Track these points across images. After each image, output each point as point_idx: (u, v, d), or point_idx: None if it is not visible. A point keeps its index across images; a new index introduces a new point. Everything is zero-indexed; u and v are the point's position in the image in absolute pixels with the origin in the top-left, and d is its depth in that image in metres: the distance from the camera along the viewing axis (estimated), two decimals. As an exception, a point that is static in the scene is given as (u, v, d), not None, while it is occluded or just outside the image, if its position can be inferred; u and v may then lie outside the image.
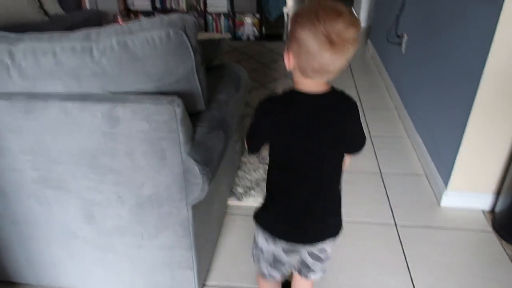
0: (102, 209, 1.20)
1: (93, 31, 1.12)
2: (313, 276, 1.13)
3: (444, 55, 1.94)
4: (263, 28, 4.45)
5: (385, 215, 1.76)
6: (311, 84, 0.91)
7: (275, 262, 1.07)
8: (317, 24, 0.79)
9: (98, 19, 3.61)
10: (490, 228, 1.68)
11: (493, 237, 1.63)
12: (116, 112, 1.03)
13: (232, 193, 1.87)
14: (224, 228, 1.70)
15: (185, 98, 1.14)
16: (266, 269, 1.10)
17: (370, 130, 2.46)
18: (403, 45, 2.66)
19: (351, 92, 2.99)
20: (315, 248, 1.05)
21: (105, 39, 1.07)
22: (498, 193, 1.72)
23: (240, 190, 1.90)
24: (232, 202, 1.83)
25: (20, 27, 2.96)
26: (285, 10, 4.34)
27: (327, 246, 1.06)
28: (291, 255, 1.07)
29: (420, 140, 2.17)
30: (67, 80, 1.07)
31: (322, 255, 1.07)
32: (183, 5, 4.39)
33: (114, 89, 1.09)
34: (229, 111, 1.38)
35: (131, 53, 1.05)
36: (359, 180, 1.99)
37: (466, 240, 1.63)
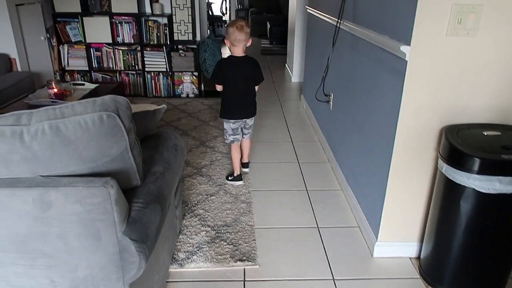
0: (32, 296, 1.15)
1: (24, 114, 1.13)
2: (248, 136, 2.66)
3: (364, 114, 2.15)
4: (202, 85, 4.60)
5: (323, 270, 1.83)
6: (235, 50, 2.39)
7: (234, 132, 2.55)
8: (232, 24, 2.35)
9: (31, 82, 3.53)
10: (417, 275, 1.81)
11: (420, 283, 1.76)
12: (48, 196, 1.03)
13: (173, 259, 1.85)
14: (165, 298, 1.66)
15: (120, 176, 1.16)
16: (232, 137, 2.56)
17: (306, 184, 2.59)
18: (331, 103, 2.89)
19: (287, 146, 3.16)
20: (247, 120, 2.56)
21: (37, 123, 1.08)
22: (422, 241, 1.87)
23: (181, 255, 1.88)
24: (173, 269, 1.81)
25: None
26: (222, 68, 4.54)
27: (250, 121, 2.58)
28: (238, 125, 2.54)
29: (352, 193, 2.32)
30: (-5, 166, 1.06)
31: (250, 124, 2.60)
32: (120, 64, 4.45)
33: (46, 173, 1.09)
34: (166, 183, 1.42)
35: (63, 137, 1.07)
36: (297, 236, 2.07)
37: (398, 288, 1.75)
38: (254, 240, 2.01)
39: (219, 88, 2.49)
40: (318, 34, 3.46)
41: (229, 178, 2.61)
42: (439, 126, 1.69)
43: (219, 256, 1.88)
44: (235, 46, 2.37)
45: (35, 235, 1.07)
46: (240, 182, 2.58)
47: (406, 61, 1.59)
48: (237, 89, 2.46)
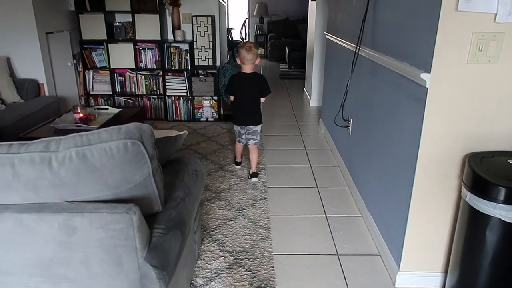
0: (54, 320, 1.16)
1: (53, 141, 1.17)
2: (252, 142, 3.00)
3: (384, 140, 2.13)
4: (221, 109, 4.67)
5: (344, 300, 1.79)
6: (245, 67, 2.87)
7: (239, 135, 3.02)
8: (242, 46, 2.85)
9: (57, 106, 3.65)
10: (442, 307, 1.75)
11: (446, 317, 1.69)
12: (73, 222, 1.06)
13: (191, 285, 1.85)
14: (183, 325, 1.65)
15: (142, 202, 1.18)
16: (238, 138, 3.05)
17: (325, 210, 2.56)
18: (350, 128, 2.88)
19: (306, 171, 3.15)
20: (250, 128, 2.96)
21: (65, 150, 1.12)
22: (446, 271, 1.81)
23: (200, 281, 1.87)
24: (191, 295, 1.80)
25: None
26: (241, 93, 4.62)
27: (255, 128, 2.96)
28: (243, 131, 2.99)
29: (372, 220, 2.28)
30: (24, 191, 1.10)
31: (255, 131, 2.96)
32: (143, 89, 4.57)
33: (72, 198, 1.12)
34: (186, 209, 1.43)
35: (89, 164, 1.10)
36: (317, 263, 2.04)
37: (422, 321, 1.68)
38: (273, 267, 1.99)
39: (231, 98, 3.01)
40: (337, 60, 3.49)
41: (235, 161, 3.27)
42: (461, 153, 1.67)
43: (238, 283, 1.87)
44: (245, 64, 2.86)
45: (59, 259, 1.09)
46: (238, 167, 3.19)
47: (427, 88, 1.59)
48: (243, 100, 2.96)
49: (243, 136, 3.01)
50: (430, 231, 1.79)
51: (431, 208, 1.76)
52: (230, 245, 2.16)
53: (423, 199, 1.75)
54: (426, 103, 1.61)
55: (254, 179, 2.96)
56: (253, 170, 3.01)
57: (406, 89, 1.82)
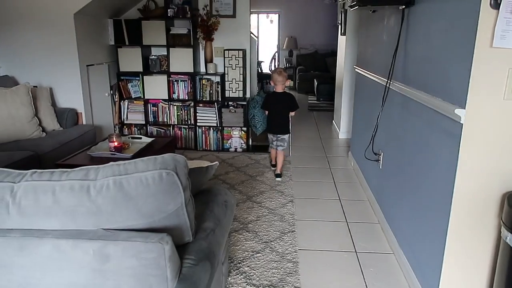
0: None
1: (92, 169, 1.22)
2: (280, 148, 3.71)
3: (417, 176, 2.09)
4: (250, 140, 4.72)
5: None
6: (277, 88, 3.66)
7: (272, 141, 3.79)
8: (274, 71, 3.68)
9: (93, 135, 3.80)
10: None
11: None
12: (108, 249, 1.08)
13: (217, 318, 1.82)
14: None
15: (174, 231, 1.20)
16: (270, 144, 3.83)
17: (355, 245, 2.50)
18: (381, 162, 2.84)
19: (335, 204, 3.10)
20: (280, 136, 3.71)
21: (103, 178, 1.16)
22: (485, 316, 1.71)
23: (226, 314, 1.85)
24: (217, 329, 1.77)
25: (17, 143, 3.11)
26: (270, 124, 4.69)
27: (284, 136, 3.72)
28: (274, 138, 3.75)
29: (405, 258, 2.20)
30: (63, 217, 1.14)
31: (284, 139, 3.72)
32: (174, 119, 4.70)
33: (107, 226, 1.15)
34: (216, 240, 1.43)
35: (125, 192, 1.13)
36: (347, 302, 1.97)
37: None
38: (301, 303, 1.94)
39: (266, 112, 3.81)
40: (367, 93, 3.49)
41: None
42: (500, 191, 1.61)
43: (264, 318, 1.83)
44: (277, 84, 3.62)
45: (92, 286, 1.11)
46: (274, 168, 3.83)
47: (462, 124, 1.56)
48: (275, 114, 3.69)
49: (274, 143, 3.74)
50: (467, 273, 1.71)
51: (468, 248, 1.68)
52: (257, 278, 2.13)
53: (459, 239, 1.68)
54: (461, 139, 1.57)
55: (278, 179, 3.65)
56: (278, 171, 3.70)
57: (439, 124, 1.80)
